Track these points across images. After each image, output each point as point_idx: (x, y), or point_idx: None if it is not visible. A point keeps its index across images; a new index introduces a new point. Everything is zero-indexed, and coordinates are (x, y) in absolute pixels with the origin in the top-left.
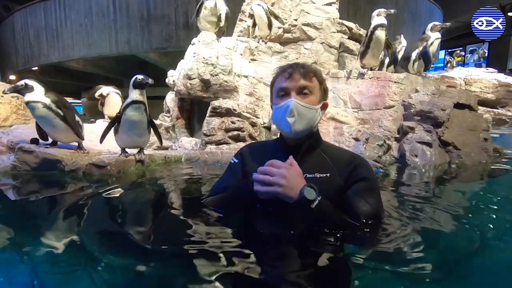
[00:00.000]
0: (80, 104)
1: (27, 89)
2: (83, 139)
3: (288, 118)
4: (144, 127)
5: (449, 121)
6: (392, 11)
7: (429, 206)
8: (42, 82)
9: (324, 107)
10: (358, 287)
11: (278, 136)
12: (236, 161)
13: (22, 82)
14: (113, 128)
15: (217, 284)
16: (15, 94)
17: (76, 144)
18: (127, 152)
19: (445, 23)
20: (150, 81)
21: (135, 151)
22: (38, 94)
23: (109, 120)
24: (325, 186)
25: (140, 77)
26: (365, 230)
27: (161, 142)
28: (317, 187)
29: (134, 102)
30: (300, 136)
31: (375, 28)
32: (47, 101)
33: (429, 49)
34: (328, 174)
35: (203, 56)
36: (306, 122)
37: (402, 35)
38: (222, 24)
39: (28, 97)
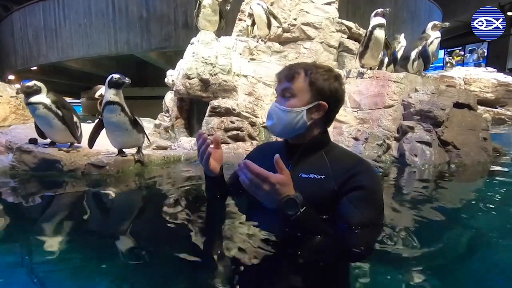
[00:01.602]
0: (80, 104)
1: (37, 89)
2: (80, 141)
3: (267, 120)
4: (127, 127)
5: (448, 120)
6: (388, 10)
7: (428, 205)
8: (42, 82)
9: (319, 108)
10: (358, 286)
11: None
12: (245, 159)
13: (32, 83)
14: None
15: (216, 283)
16: (14, 94)
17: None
18: (124, 153)
19: (444, 22)
20: (127, 80)
21: (133, 150)
22: (41, 95)
23: None
24: (317, 188)
25: (116, 76)
26: (359, 236)
27: (148, 139)
28: (309, 187)
29: (108, 103)
30: (286, 137)
31: (374, 28)
32: (48, 101)
33: (429, 48)
34: (322, 176)
35: (202, 55)
36: (283, 125)
37: (402, 35)
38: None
39: (32, 98)
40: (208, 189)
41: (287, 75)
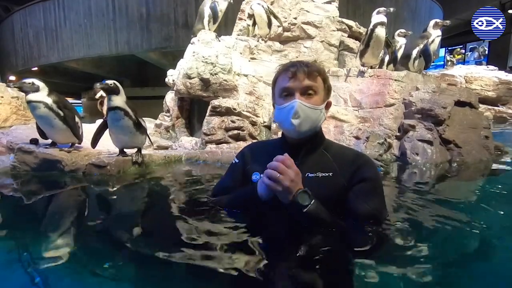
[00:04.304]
0: (80, 104)
1: (33, 88)
2: (81, 140)
3: (292, 120)
4: (131, 131)
5: (450, 119)
6: (391, 9)
7: (430, 205)
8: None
9: (328, 106)
10: (358, 284)
11: (280, 135)
12: (237, 161)
13: (30, 80)
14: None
15: (217, 284)
16: (15, 94)
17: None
18: (125, 153)
19: (445, 20)
20: (108, 83)
21: (133, 151)
22: (42, 94)
23: None
24: (328, 186)
25: (102, 83)
26: (364, 231)
27: (150, 141)
28: (318, 186)
29: (110, 109)
30: (304, 136)
31: (375, 26)
32: (49, 101)
33: (430, 46)
34: (330, 174)
35: (202, 55)
36: (311, 123)
37: (397, 32)
38: None
39: (31, 96)
40: (245, 207)
41: (309, 73)
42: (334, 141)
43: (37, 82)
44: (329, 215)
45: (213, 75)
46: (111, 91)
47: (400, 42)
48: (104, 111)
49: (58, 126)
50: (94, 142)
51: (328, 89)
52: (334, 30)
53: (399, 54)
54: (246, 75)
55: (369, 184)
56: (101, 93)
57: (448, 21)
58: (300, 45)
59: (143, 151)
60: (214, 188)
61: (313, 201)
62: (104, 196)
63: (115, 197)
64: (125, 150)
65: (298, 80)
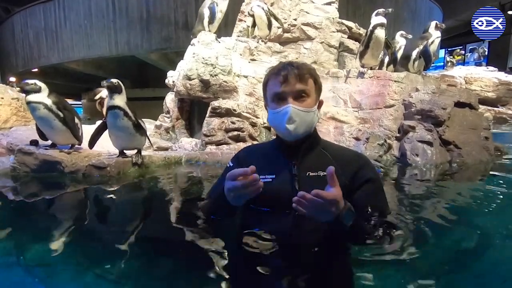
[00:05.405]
0: (80, 105)
1: (36, 88)
2: (81, 142)
3: (287, 125)
4: (130, 132)
5: (449, 119)
6: (390, 10)
7: (430, 205)
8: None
9: (320, 105)
10: (359, 286)
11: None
12: (232, 164)
13: (32, 81)
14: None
15: (216, 284)
16: (15, 96)
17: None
18: (125, 154)
19: (442, 24)
20: (111, 82)
21: (133, 152)
22: (42, 95)
23: None
24: None
25: (107, 81)
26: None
27: (150, 142)
28: (321, 185)
29: (109, 107)
30: (299, 138)
31: (375, 27)
32: (49, 102)
33: (429, 47)
34: None
35: (202, 56)
36: (306, 125)
37: (398, 34)
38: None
39: (31, 97)
40: (223, 214)
41: (300, 76)
42: (330, 141)
43: (39, 83)
44: (366, 226)
45: (213, 76)
46: (115, 90)
47: (400, 43)
48: (104, 112)
49: (58, 127)
50: (92, 143)
51: (319, 89)
52: (334, 31)
53: (399, 55)
54: (246, 76)
55: (374, 184)
56: (100, 94)
57: (443, 24)
58: (300, 46)
59: (143, 152)
60: (209, 192)
61: (354, 216)
62: (104, 197)
63: (115, 198)
64: (125, 151)
65: (290, 85)
